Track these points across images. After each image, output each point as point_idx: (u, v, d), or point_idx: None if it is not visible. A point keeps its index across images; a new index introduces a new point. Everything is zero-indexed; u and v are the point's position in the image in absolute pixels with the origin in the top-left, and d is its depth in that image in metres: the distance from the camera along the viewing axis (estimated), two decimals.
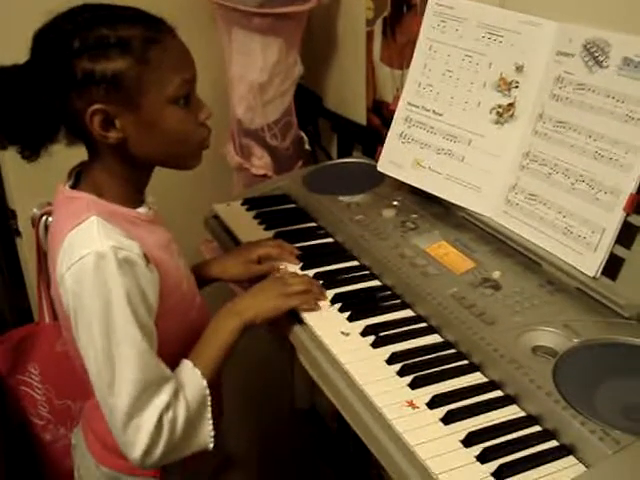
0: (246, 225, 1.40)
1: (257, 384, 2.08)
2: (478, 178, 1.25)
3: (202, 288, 1.23)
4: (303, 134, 1.84)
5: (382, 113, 1.71)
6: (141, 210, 1.05)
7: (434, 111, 1.32)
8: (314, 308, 1.12)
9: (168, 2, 1.70)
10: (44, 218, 1.63)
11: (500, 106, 1.24)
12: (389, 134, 1.37)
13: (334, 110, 1.88)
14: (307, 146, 1.86)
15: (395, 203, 1.37)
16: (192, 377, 1.02)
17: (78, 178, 1.06)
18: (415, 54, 1.35)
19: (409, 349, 1.03)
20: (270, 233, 1.36)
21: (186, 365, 1.03)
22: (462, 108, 1.28)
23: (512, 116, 1.23)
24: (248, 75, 1.73)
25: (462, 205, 1.26)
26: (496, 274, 1.14)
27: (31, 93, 0.96)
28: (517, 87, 1.22)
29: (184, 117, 1.00)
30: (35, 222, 1.63)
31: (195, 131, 1.02)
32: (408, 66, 1.55)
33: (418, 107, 1.34)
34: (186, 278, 1.11)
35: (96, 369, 0.95)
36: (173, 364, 1.05)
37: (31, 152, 1.00)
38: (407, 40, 1.56)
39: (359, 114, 1.79)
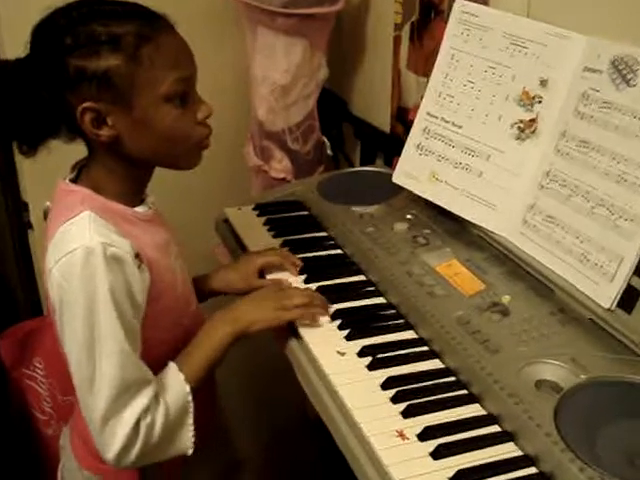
0: (255, 231, 1.36)
1: (269, 390, 2.04)
2: (495, 195, 1.20)
3: (204, 301, 1.20)
4: (325, 139, 1.80)
5: (406, 121, 1.66)
6: (139, 209, 1.02)
7: (453, 123, 1.26)
8: (312, 323, 1.07)
9: (191, 2, 1.71)
10: None
11: (522, 121, 1.18)
12: (406, 145, 1.32)
13: (359, 115, 1.83)
14: (329, 151, 1.82)
15: (409, 217, 1.32)
16: (175, 381, 0.99)
17: (80, 172, 1.03)
18: (437, 62, 1.29)
19: (406, 374, 0.98)
20: (278, 241, 1.32)
21: (171, 368, 1.01)
22: (482, 121, 1.23)
23: (534, 132, 1.17)
24: (270, 76, 1.69)
25: (477, 223, 1.21)
26: (506, 298, 1.08)
27: (28, 88, 0.94)
28: (540, 102, 1.16)
29: (179, 116, 0.97)
30: (47, 215, 1.61)
31: (192, 130, 0.99)
32: None
33: (437, 118, 1.28)
34: (182, 282, 1.07)
35: (77, 365, 0.93)
36: (161, 369, 1.02)
37: (28, 148, 0.98)
38: (434, 47, 1.50)
39: (383, 121, 1.74)
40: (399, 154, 1.66)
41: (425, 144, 1.29)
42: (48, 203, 1.62)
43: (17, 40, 0.95)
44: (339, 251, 1.29)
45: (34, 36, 0.94)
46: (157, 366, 1.01)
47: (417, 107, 1.32)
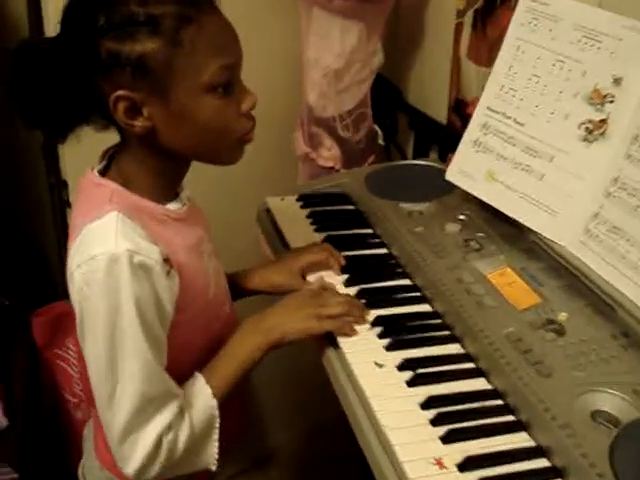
0: (297, 223, 1.29)
1: (304, 380, 1.99)
2: (557, 201, 1.10)
3: (241, 299, 1.13)
4: (377, 128, 1.72)
5: (464, 113, 1.57)
6: (172, 206, 0.96)
7: (515, 120, 1.17)
8: (350, 334, 1.00)
9: None
10: None
11: (591, 121, 1.08)
12: (462, 140, 1.23)
13: (414, 105, 1.74)
14: (380, 141, 1.73)
15: (461, 217, 1.23)
16: (202, 395, 0.93)
17: (111, 162, 0.97)
18: (500, 53, 1.20)
19: (449, 394, 0.90)
20: (321, 235, 1.25)
21: (198, 380, 0.94)
22: (547, 119, 1.13)
23: (603, 134, 1.07)
24: (323, 59, 1.61)
25: (535, 229, 1.12)
26: (562, 316, 0.99)
27: (57, 72, 0.88)
28: (612, 102, 1.06)
29: (222, 107, 0.89)
30: None
31: (235, 123, 0.92)
32: None
33: (498, 113, 1.19)
34: (215, 285, 1.01)
35: (97, 377, 0.88)
36: (189, 375, 0.96)
37: (57, 136, 0.92)
38: (498, 36, 1.40)
39: (440, 112, 1.65)
40: (454, 148, 1.57)
41: (483, 141, 1.20)
42: None
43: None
44: (384, 250, 1.21)
45: (65, 14, 0.87)
46: (185, 371, 0.96)
47: (476, 100, 1.23)
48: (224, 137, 0.92)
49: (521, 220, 1.13)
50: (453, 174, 1.24)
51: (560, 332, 0.97)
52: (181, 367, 0.95)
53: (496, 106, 1.19)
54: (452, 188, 1.29)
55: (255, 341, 0.98)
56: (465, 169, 1.22)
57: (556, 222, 1.10)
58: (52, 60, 0.87)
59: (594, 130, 1.08)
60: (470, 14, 1.50)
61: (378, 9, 1.58)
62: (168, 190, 0.96)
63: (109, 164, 0.96)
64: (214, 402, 0.93)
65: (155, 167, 0.93)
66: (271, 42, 1.69)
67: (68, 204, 1.58)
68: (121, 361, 0.86)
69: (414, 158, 1.73)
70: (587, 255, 1.05)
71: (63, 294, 1.69)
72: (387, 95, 1.73)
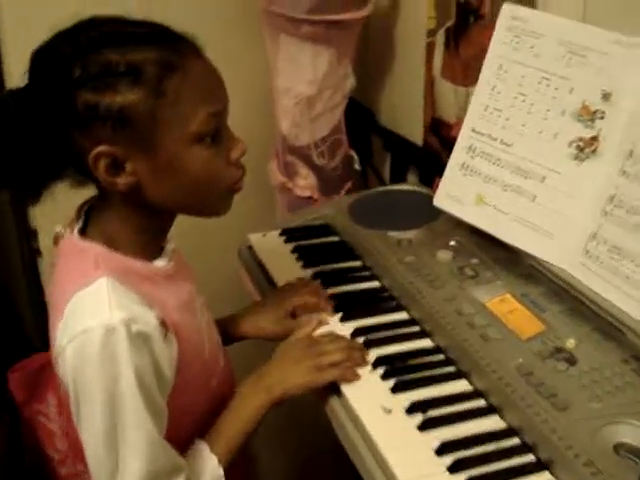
0: (282, 260, 1.24)
1: (293, 418, 1.93)
2: (552, 222, 1.07)
3: (228, 345, 1.08)
4: (353, 153, 1.68)
5: (441, 133, 1.54)
6: (160, 263, 0.90)
7: (502, 140, 1.13)
8: (353, 380, 0.95)
9: (209, 8, 1.59)
10: None
11: (581, 139, 1.05)
12: (449, 164, 1.20)
13: (387, 127, 1.70)
14: (357, 166, 1.69)
15: (452, 243, 1.20)
16: (209, 467, 0.88)
17: (88, 217, 0.91)
18: (482, 73, 1.17)
19: (465, 437, 0.85)
20: (308, 272, 1.20)
21: (202, 450, 0.89)
22: (535, 139, 1.10)
23: (595, 152, 1.04)
24: (295, 87, 1.57)
25: (531, 253, 1.08)
26: (570, 343, 0.96)
27: (26, 125, 0.81)
28: (602, 118, 1.03)
29: (211, 157, 0.84)
30: (57, 241, 1.50)
31: (225, 172, 0.87)
32: (473, 83, 1.38)
33: (483, 135, 1.16)
34: (209, 340, 0.96)
35: (96, 457, 0.81)
36: (190, 438, 0.91)
37: (30, 195, 0.85)
38: (473, 54, 1.38)
39: (415, 133, 1.62)
40: (434, 168, 1.54)
41: (470, 164, 1.17)
42: (58, 229, 1.52)
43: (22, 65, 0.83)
44: (376, 283, 1.16)
45: (34, 64, 0.82)
46: (185, 435, 0.90)
47: (460, 122, 1.20)
48: (213, 188, 0.87)
49: (516, 244, 1.10)
50: (441, 200, 1.20)
51: (571, 361, 0.93)
52: (181, 431, 0.90)
53: (481, 127, 1.16)
54: (439, 213, 1.25)
55: (256, 402, 0.93)
56: (453, 194, 1.18)
57: (553, 244, 1.06)
58: (19, 114, 0.81)
59: (585, 148, 1.05)
60: (442, 33, 1.47)
61: (347, 32, 1.55)
62: (154, 246, 0.91)
63: (86, 221, 0.90)
64: (221, 471, 0.88)
65: (140, 224, 0.87)
66: (238, 72, 1.63)
67: (39, 253, 1.51)
68: (122, 439, 0.79)
69: (391, 181, 1.70)
70: (589, 277, 1.01)
71: (38, 347, 1.62)
72: (360, 119, 1.70)
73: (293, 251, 1.26)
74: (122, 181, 0.82)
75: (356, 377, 0.95)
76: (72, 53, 0.78)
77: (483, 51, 1.32)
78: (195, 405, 0.94)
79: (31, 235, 1.50)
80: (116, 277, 0.82)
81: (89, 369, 0.78)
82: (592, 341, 0.96)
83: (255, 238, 1.31)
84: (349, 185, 1.69)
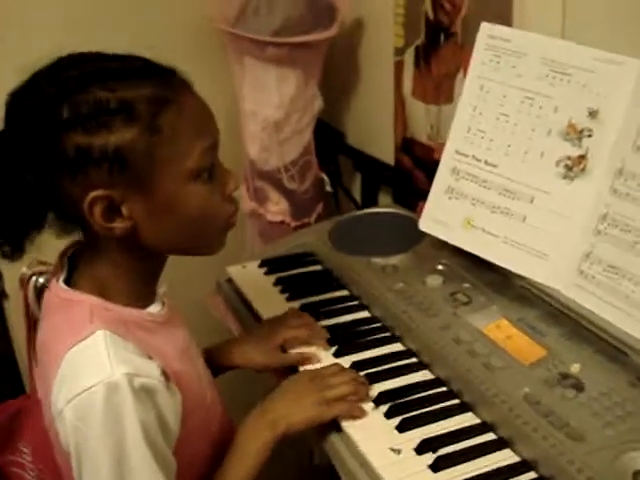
0: (265, 293, 1.20)
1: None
2: (543, 243, 1.05)
3: (216, 376, 1.03)
4: (324, 175, 1.65)
5: (413, 152, 1.52)
6: (153, 309, 0.85)
7: (486, 161, 1.11)
8: (359, 416, 0.91)
9: (173, 31, 1.54)
10: (34, 278, 1.42)
11: (569, 158, 1.04)
12: (433, 187, 1.17)
13: (357, 147, 1.68)
14: (328, 188, 1.67)
15: (440, 267, 1.17)
16: None
17: (71, 265, 0.86)
18: (463, 94, 1.15)
19: (479, 475, 0.82)
20: (294, 304, 1.16)
21: None
22: (521, 159, 1.08)
23: (584, 170, 1.03)
24: (262, 111, 1.54)
25: (525, 275, 1.06)
26: (575, 368, 0.94)
27: (6, 173, 0.76)
28: (590, 136, 1.02)
29: (208, 194, 0.80)
30: (24, 283, 1.42)
31: (221, 208, 0.83)
32: (446, 102, 1.37)
33: (467, 156, 1.13)
34: (209, 387, 0.91)
35: None
36: None
37: (12, 248, 0.79)
38: (445, 72, 1.37)
39: (386, 152, 1.60)
40: (408, 188, 1.52)
41: (455, 186, 1.14)
42: (25, 269, 1.45)
43: None
44: (366, 314, 1.13)
45: (11, 108, 0.76)
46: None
47: (442, 145, 1.17)
48: (210, 225, 0.83)
49: (507, 266, 1.08)
50: (427, 224, 1.17)
51: (578, 387, 0.91)
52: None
53: (464, 149, 1.14)
54: (422, 236, 1.23)
55: (261, 438, 0.88)
56: (439, 218, 1.16)
57: (545, 265, 1.04)
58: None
59: (574, 166, 1.04)
60: (411, 51, 1.45)
61: (314, 53, 1.52)
62: (147, 292, 0.86)
63: (70, 269, 0.85)
64: None
65: (133, 269, 0.83)
66: (203, 96, 1.60)
67: (5, 295, 1.43)
68: None
69: (363, 201, 1.68)
70: (586, 298, 1.00)
71: (4, 396, 1.54)
72: (329, 140, 1.67)
73: (276, 283, 1.22)
74: (119, 225, 0.77)
75: (362, 413, 0.91)
76: (56, 93, 0.73)
77: (455, 70, 1.32)
78: (198, 453, 0.89)
79: None
80: (112, 329, 0.78)
81: (92, 431, 0.73)
82: (596, 364, 0.94)
83: (235, 270, 1.27)
84: (320, 208, 1.67)
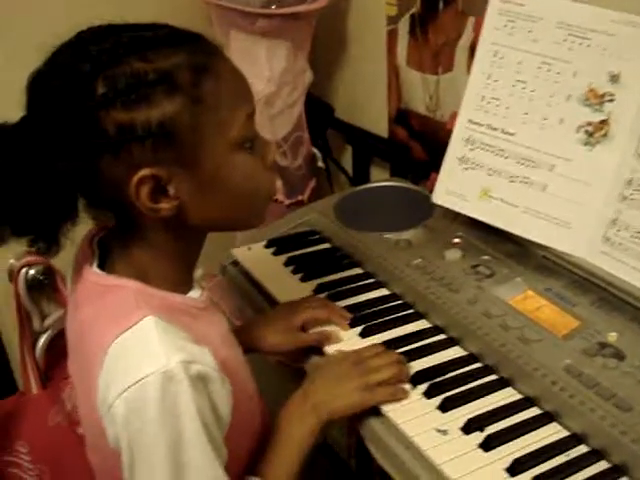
0: (277, 274, 1.16)
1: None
2: (566, 211, 1.03)
3: None
4: (316, 150, 1.61)
5: (409, 124, 1.49)
6: (195, 294, 0.81)
7: (503, 130, 1.09)
8: (403, 399, 0.88)
9: (158, 4, 1.48)
10: (24, 270, 1.36)
11: (590, 124, 1.02)
12: (446, 159, 1.14)
13: (348, 120, 1.64)
14: (320, 163, 1.62)
15: (456, 240, 1.14)
16: None
17: (102, 252, 0.80)
18: (475, 62, 1.12)
19: (533, 452, 0.81)
20: (308, 285, 1.12)
21: None
22: (539, 127, 1.06)
23: (605, 136, 1.01)
24: (253, 86, 1.47)
25: (548, 245, 1.04)
26: (612, 336, 0.92)
27: (32, 164, 0.69)
28: (612, 101, 1.00)
29: (252, 164, 0.76)
30: (14, 275, 1.36)
31: (264, 179, 0.79)
32: (445, 71, 1.34)
33: (482, 125, 1.11)
34: (250, 375, 0.87)
35: None
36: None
37: (48, 243, 0.73)
38: (445, 41, 1.33)
39: (378, 125, 1.56)
40: (404, 160, 1.50)
41: (470, 156, 1.12)
42: (13, 261, 1.39)
43: None
44: (385, 291, 1.10)
45: (36, 90, 0.70)
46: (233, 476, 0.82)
47: (454, 115, 1.14)
48: (256, 196, 0.79)
49: (529, 236, 1.06)
50: (441, 196, 1.14)
51: (619, 356, 0.89)
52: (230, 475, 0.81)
53: (479, 118, 1.11)
54: (432, 209, 1.21)
55: (306, 425, 0.85)
56: (454, 189, 1.13)
57: (569, 234, 1.03)
58: (19, 151, 0.69)
59: (595, 132, 1.02)
60: (405, 20, 1.41)
61: (303, 25, 1.48)
62: (187, 276, 0.82)
63: (102, 254, 0.80)
64: None
65: (174, 252, 0.78)
66: None
67: None
68: None
69: (354, 176, 1.64)
70: (613, 265, 0.98)
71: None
72: (320, 114, 1.62)
73: (286, 264, 1.18)
74: (165, 206, 0.72)
75: (405, 395, 0.88)
76: (89, 69, 0.67)
77: (456, 37, 1.28)
78: (243, 446, 0.85)
79: None
80: (160, 315, 0.73)
81: (148, 424, 0.68)
82: (633, 332, 0.93)
83: (240, 252, 1.22)
84: (313, 184, 1.63)
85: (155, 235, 0.76)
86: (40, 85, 0.70)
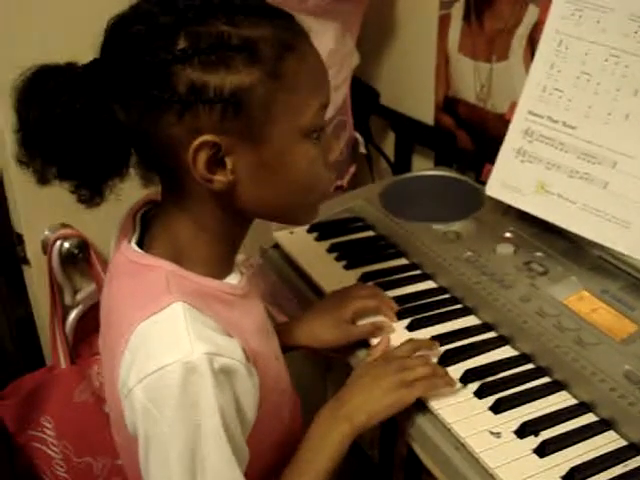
0: (320, 260, 1.13)
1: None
2: (626, 210, 0.99)
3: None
4: (358, 135, 1.57)
5: (457, 112, 1.44)
6: (232, 279, 0.77)
7: (564, 123, 1.05)
8: (445, 390, 0.85)
9: None
10: (58, 243, 1.34)
11: None
12: (502, 150, 1.10)
13: (392, 107, 1.59)
14: (362, 149, 1.59)
15: (508, 235, 1.11)
16: None
17: (144, 225, 0.78)
18: (538, 51, 1.07)
19: (590, 461, 0.77)
20: (352, 273, 1.09)
21: None
22: (603, 121, 1.02)
23: None
24: None
25: (605, 244, 1.00)
26: None
27: (93, 108, 0.67)
28: None
29: (316, 157, 0.72)
30: (48, 248, 1.34)
31: (324, 174, 0.75)
32: (500, 59, 1.30)
33: (542, 117, 1.07)
34: (285, 369, 0.84)
35: None
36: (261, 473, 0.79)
37: (91, 191, 0.71)
38: (502, 28, 1.29)
39: (424, 112, 1.52)
40: (446, 150, 1.46)
41: (528, 149, 1.08)
42: (48, 232, 1.37)
43: None
44: (432, 284, 1.07)
45: (112, 36, 0.67)
46: (258, 471, 0.79)
47: (513, 106, 1.10)
48: (312, 191, 0.75)
49: (586, 235, 1.02)
50: (495, 189, 1.10)
51: None
52: (254, 470, 0.78)
53: (539, 109, 1.07)
54: (482, 200, 1.17)
55: (339, 432, 0.81)
56: (509, 182, 1.09)
57: (629, 234, 0.99)
58: (88, 93, 0.66)
59: None
60: (460, 5, 1.37)
61: (354, 5, 1.43)
62: (227, 261, 0.78)
63: (142, 230, 0.77)
64: None
65: (218, 234, 0.75)
66: None
67: (26, 261, 1.34)
68: None
69: (396, 163, 1.61)
70: None
71: (22, 370, 1.46)
72: (365, 98, 1.59)
73: (329, 250, 1.15)
74: (220, 178, 0.69)
75: (448, 385, 0.85)
76: (173, 22, 0.64)
77: (514, 25, 1.24)
78: (268, 441, 0.82)
79: (15, 241, 1.33)
80: (191, 301, 0.70)
81: (165, 415, 0.66)
82: None
83: (282, 236, 1.19)
84: (353, 170, 1.59)
85: (201, 209, 0.73)
86: (119, 29, 0.67)
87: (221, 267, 0.77)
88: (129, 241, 0.75)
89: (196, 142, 0.66)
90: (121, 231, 0.78)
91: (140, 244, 0.76)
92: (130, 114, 0.66)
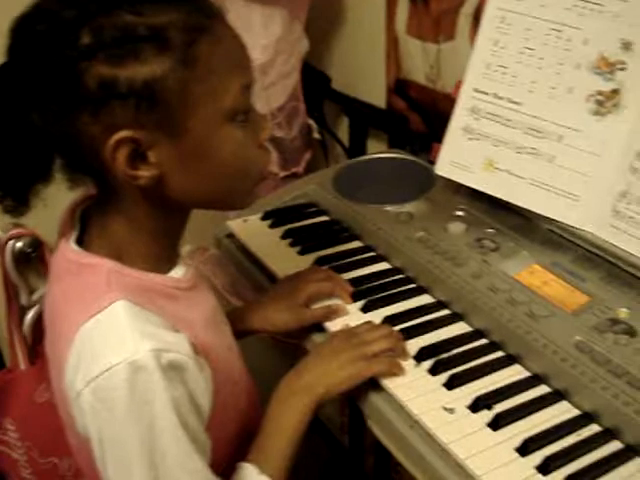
0: (274, 247, 1.13)
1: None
2: (574, 183, 1.00)
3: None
4: (312, 121, 1.56)
5: (408, 94, 1.45)
6: (177, 273, 0.77)
7: (510, 99, 1.05)
8: (400, 372, 0.85)
9: None
10: (11, 243, 1.31)
11: (600, 93, 0.98)
12: (449, 128, 1.11)
13: (345, 91, 1.59)
14: (316, 134, 1.58)
15: (459, 213, 1.11)
16: None
17: (83, 224, 0.76)
18: (481, 28, 1.08)
19: (544, 431, 0.78)
20: (307, 258, 1.09)
21: (250, 474, 0.77)
22: (548, 95, 1.02)
23: (617, 105, 0.97)
24: None
25: (555, 218, 1.01)
26: (623, 312, 0.90)
27: (8, 114, 0.65)
28: (624, 69, 0.97)
29: (243, 139, 0.71)
30: (0, 248, 1.31)
31: (256, 156, 0.74)
32: (447, 39, 1.30)
33: (488, 94, 1.07)
34: (238, 358, 0.83)
35: None
36: (224, 465, 0.79)
37: (16, 201, 0.70)
38: (447, 8, 1.29)
39: (377, 96, 1.52)
40: (402, 131, 1.46)
41: (475, 126, 1.08)
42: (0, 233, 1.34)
43: None
44: (386, 265, 1.07)
45: (18, 36, 0.66)
46: (220, 464, 0.78)
47: (459, 84, 1.10)
48: (244, 175, 0.74)
49: (536, 209, 1.03)
50: (444, 167, 1.11)
51: (631, 332, 0.87)
52: (216, 461, 0.77)
53: (484, 87, 1.07)
54: (433, 181, 1.17)
55: (298, 405, 0.81)
56: (457, 160, 1.10)
57: (577, 207, 1.00)
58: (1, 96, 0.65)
59: (606, 102, 0.98)
60: None
61: None
62: (169, 254, 0.78)
63: (82, 229, 0.76)
64: None
65: (154, 227, 0.74)
66: None
67: None
68: None
69: (351, 148, 1.60)
70: (622, 239, 0.96)
71: None
72: (315, 84, 1.58)
73: (283, 236, 1.14)
74: (145, 174, 0.68)
75: (402, 370, 0.85)
76: (75, 17, 0.63)
77: (459, 4, 1.24)
78: (226, 431, 0.82)
79: None
80: (133, 298, 0.69)
81: (117, 416, 0.65)
82: None
83: (236, 225, 1.18)
84: (308, 156, 1.59)
85: (134, 207, 0.72)
86: (23, 30, 0.65)
87: (163, 261, 0.76)
88: (67, 240, 0.74)
89: (112, 140, 0.65)
90: (62, 230, 0.77)
91: (80, 242, 0.75)
92: (46, 117, 0.65)
